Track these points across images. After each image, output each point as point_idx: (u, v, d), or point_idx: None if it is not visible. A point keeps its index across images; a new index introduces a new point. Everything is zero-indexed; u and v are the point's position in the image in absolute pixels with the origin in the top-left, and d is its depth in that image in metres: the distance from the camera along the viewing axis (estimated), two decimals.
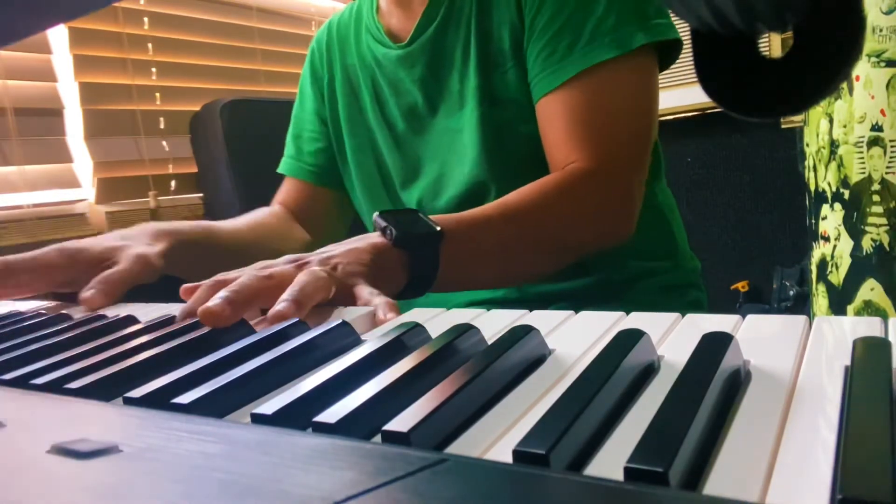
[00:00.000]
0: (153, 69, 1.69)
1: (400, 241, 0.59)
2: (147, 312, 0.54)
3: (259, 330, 0.43)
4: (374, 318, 0.46)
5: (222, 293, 0.46)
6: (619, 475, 0.21)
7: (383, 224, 0.60)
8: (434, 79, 0.85)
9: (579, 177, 0.72)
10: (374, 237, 0.60)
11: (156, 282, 0.69)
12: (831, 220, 1.51)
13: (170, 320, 0.49)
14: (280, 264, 0.54)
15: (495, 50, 0.81)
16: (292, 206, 1.00)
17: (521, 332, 0.34)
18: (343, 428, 0.27)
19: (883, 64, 1.37)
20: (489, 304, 0.84)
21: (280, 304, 0.45)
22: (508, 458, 0.23)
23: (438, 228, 0.61)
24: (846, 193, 1.46)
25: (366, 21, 0.92)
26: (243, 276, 0.50)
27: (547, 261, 0.74)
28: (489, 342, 0.37)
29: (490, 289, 0.84)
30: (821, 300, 1.57)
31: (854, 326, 0.34)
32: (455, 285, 0.68)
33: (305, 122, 1.01)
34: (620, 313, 0.40)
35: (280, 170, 1.03)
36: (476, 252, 0.66)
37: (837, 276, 1.50)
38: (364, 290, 0.51)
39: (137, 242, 0.70)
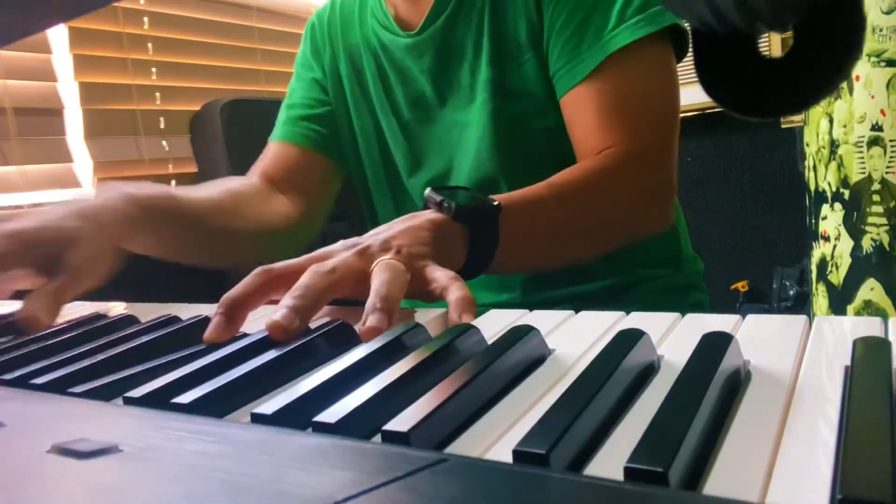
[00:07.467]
0: (153, 69, 1.69)
1: (460, 215, 0.57)
2: (147, 312, 0.54)
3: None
4: (448, 320, 0.44)
5: (287, 301, 0.42)
6: (619, 475, 0.21)
7: (439, 198, 0.58)
8: (443, 70, 0.84)
9: (620, 159, 0.72)
10: (428, 214, 0.57)
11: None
12: (831, 219, 1.51)
13: (170, 320, 0.49)
14: (338, 252, 0.50)
15: (510, 42, 0.80)
16: (277, 175, 0.94)
17: (521, 332, 0.34)
18: (343, 428, 0.27)
19: (883, 64, 1.37)
20: (492, 307, 0.84)
21: (371, 318, 0.41)
22: (508, 458, 0.23)
23: (496, 202, 0.60)
24: (846, 193, 1.46)
25: (371, 5, 0.91)
26: (304, 275, 0.45)
27: (595, 243, 0.73)
28: (489, 342, 0.37)
29: (543, 270, 0.83)
30: (821, 300, 1.57)
31: (854, 326, 0.34)
32: (512, 265, 0.66)
33: (301, 91, 0.98)
34: (620, 313, 0.40)
35: (271, 138, 0.97)
36: (531, 229, 0.65)
37: (837, 276, 1.50)
38: (437, 272, 0.48)
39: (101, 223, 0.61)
